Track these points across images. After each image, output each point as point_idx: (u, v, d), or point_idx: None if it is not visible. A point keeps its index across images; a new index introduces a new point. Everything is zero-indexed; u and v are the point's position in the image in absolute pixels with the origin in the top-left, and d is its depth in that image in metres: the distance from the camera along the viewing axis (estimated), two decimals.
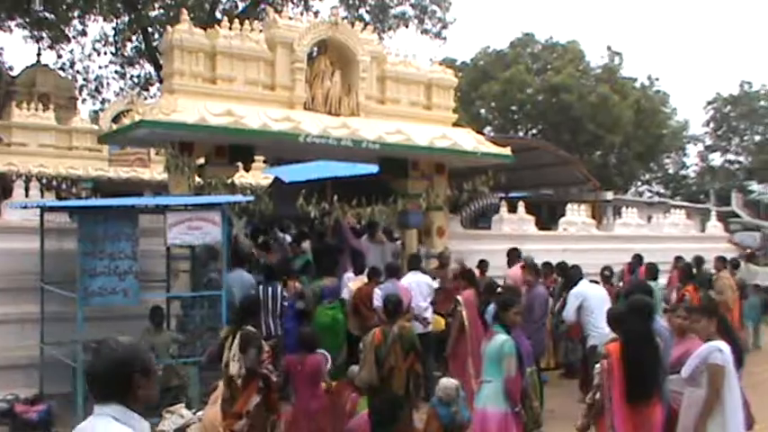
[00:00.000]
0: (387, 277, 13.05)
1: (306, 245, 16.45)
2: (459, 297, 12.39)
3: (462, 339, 11.99)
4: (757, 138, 70.57)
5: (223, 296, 11.77)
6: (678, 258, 17.81)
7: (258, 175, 23.73)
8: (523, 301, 11.79)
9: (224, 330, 9.39)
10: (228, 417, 8.73)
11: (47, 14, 31.78)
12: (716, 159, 73.85)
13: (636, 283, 12.66)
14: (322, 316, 13.13)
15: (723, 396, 7.31)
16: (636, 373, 7.47)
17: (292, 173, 24.16)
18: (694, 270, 16.38)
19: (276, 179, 19.86)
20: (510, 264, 15.11)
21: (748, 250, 26.16)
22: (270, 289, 12.78)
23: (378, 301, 12.86)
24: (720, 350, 7.32)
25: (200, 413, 10.99)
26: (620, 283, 15.82)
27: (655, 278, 14.44)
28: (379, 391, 8.98)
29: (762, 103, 70.37)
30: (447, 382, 9.52)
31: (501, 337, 8.13)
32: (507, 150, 16.63)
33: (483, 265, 15.22)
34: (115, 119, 21.26)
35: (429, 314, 13.29)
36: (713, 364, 7.28)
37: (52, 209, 12.72)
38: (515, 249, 15.41)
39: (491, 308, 10.95)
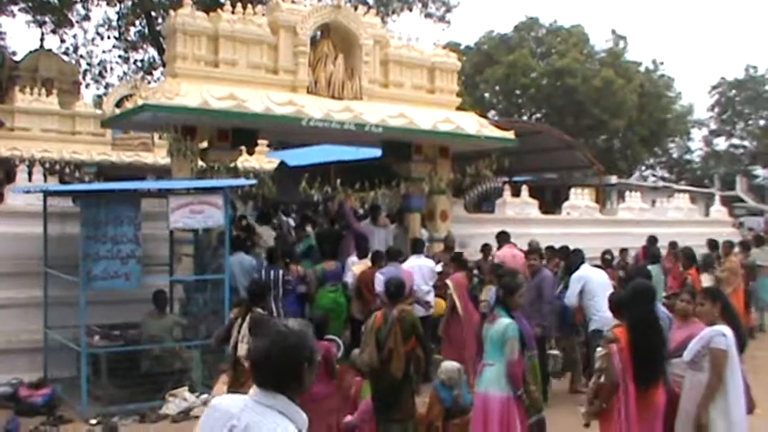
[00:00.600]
0: (388, 261, 13.05)
1: (309, 229, 16.48)
2: (448, 280, 12.40)
3: (455, 322, 12.01)
4: (762, 122, 70.57)
5: (226, 280, 11.78)
6: (672, 244, 17.78)
7: (261, 159, 23.70)
8: (532, 285, 11.84)
9: (234, 312, 9.39)
10: None
11: None
12: (720, 144, 73.94)
13: (635, 268, 12.66)
14: (324, 299, 13.17)
15: (725, 380, 7.33)
16: (643, 357, 7.47)
17: (295, 157, 24.16)
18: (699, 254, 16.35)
19: (282, 163, 19.88)
20: (499, 246, 15.16)
21: (753, 232, 26.18)
22: (272, 272, 12.82)
23: (379, 285, 12.88)
24: (724, 334, 7.33)
25: (203, 396, 11.04)
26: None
27: (656, 262, 14.42)
28: (380, 374, 8.98)
29: (767, 87, 70.20)
30: (449, 365, 9.53)
31: (504, 321, 8.12)
32: (511, 134, 16.59)
33: (486, 248, 15.23)
34: (118, 103, 21.23)
35: (431, 298, 13.32)
36: (716, 349, 7.29)
37: (55, 193, 12.72)
38: (504, 232, 15.40)
39: (493, 291, 11.00)
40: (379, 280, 12.76)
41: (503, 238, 15.28)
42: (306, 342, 3.59)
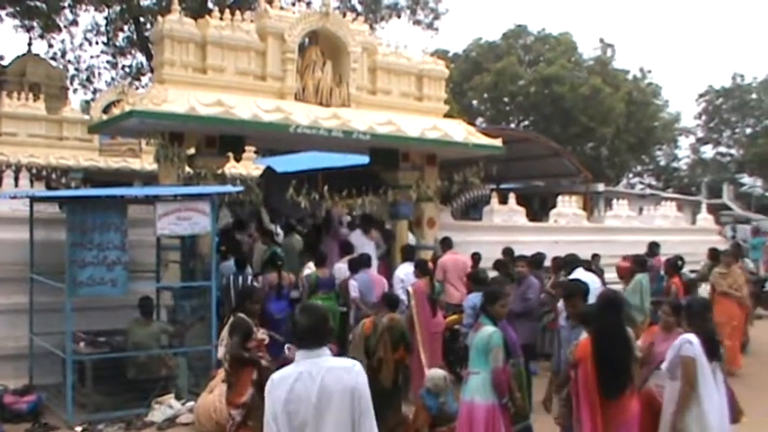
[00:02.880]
0: (359, 268, 13.16)
1: (287, 237, 16.43)
2: (408, 287, 12.38)
3: (412, 331, 11.91)
4: (749, 130, 70.87)
5: (213, 286, 11.76)
6: (653, 245, 17.68)
7: (249, 166, 23.68)
8: (518, 294, 11.83)
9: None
10: (227, 403, 8.76)
11: (38, 3, 31.70)
12: (707, 152, 74.26)
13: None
14: None
15: (697, 387, 7.51)
16: (608, 366, 7.51)
17: (283, 163, 24.15)
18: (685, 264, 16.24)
19: (268, 168, 19.84)
20: (443, 252, 15.31)
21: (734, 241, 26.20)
22: (240, 278, 12.92)
23: (354, 290, 12.95)
24: (690, 342, 7.55)
25: (189, 404, 11.01)
26: None
27: (643, 270, 14.42)
28: (369, 383, 8.96)
29: (753, 95, 70.58)
30: (435, 373, 9.53)
31: (489, 329, 8.13)
32: (498, 142, 16.61)
33: (476, 256, 15.23)
34: (106, 109, 21.16)
35: None
36: (685, 356, 7.52)
37: (41, 199, 12.71)
38: (447, 238, 15.48)
39: (472, 297, 11.06)
40: (353, 286, 12.87)
41: (446, 243, 15.39)
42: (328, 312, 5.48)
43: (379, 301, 10.61)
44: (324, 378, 4.83)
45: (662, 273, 15.25)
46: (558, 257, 14.20)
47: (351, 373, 4.96)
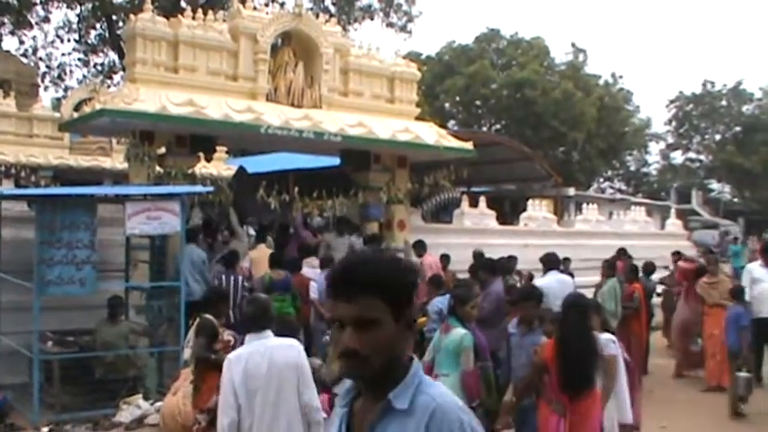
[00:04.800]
0: (322, 267, 13.18)
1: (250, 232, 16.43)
2: None
3: None
4: (718, 137, 71.45)
5: (182, 288, 11.73)
6: (621, 251, 17.76)
7: (220, 166, 23.60)
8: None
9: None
10: (193, 406, 8.71)
11: (9, 0, 31.44)
12: (677, 157, 74.87)
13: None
14: None
15: (616, 381, 8.09)
16: (569, 367, 7.60)
17: (254, 164, 24.07)
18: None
19: (240, 168, 19.78)
20: (420, 254, 15.42)
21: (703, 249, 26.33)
22: (232, 278, 12.85)
23: (314, 292, 12.93)
24: (613, 341, 8.13)
25: (157, 404, 10.95)
26: None
27: (614, 275, 14.48)
28: None
29: (723, 102, 71.15)
30: None
31: (459, 331, 8.17)
32: (469, 145, 16.66)
33: (445, 259, 15.27)
34: (77, 107, 21.04)
35: None
36: (609, 355, 7.95)
37: (10, 197, 12.61)
38: (422, 241, 15.61)
39: (437, 302, 11.08)
40: (314, 287, 12.85)
41: (421, 246, 15.53)
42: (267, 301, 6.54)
43: None
44: (272, 354, 5.97)
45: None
46: (501, 261, 14.29)
47: (294, 349, 6.15)
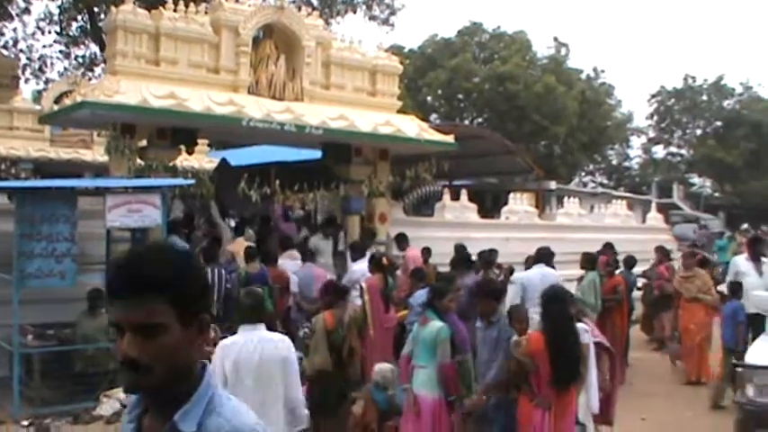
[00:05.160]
0: (305, 261, 13.16)
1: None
2: (362, 282, 12.37)
3: (365, 326, 11.90)
4: (699, 131, 71.81)
5: None
6: (608, 245, 17.84)
7: (201, 159, 23.53)
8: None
9: None
10: None
11: None
12: (659, 152, 75.05)
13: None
14: None
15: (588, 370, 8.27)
16: (562, 359, 7.68)
17: (236, 156, 24.01)
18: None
19: (223, 161, 19.73)
20: (402, 247, 15.57)
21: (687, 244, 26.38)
22: (216, 271, 12.84)
23: (294, 285, 12.93)
24: (587, 330, 8.37)
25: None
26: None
27: (593, 268, 14.53)
28: (331, 377, 8.99)
29: (704, 97, 71.44)
30: (383, 366, 9.58)
31: (437, 324, 8.23)
32: (451, 138, 16.68)
33: (426, 252, 15.29)
34: (58, 99, 20.94)
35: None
36: (585, 344, 8.15)
37: None
38: (404, 234, 15.67)
39: (420, 294, 11.10)
40: (294, 281, 12.83)
41: (404, 239, 15.60)
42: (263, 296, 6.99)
43: (325, 292, 10.45)
44: (263, 347, 6.32)
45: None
46: (482, 255, 14.35)
47: (284, 344, 6.51)
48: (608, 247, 17.07)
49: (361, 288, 12.18)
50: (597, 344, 9.18)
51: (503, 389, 8.26)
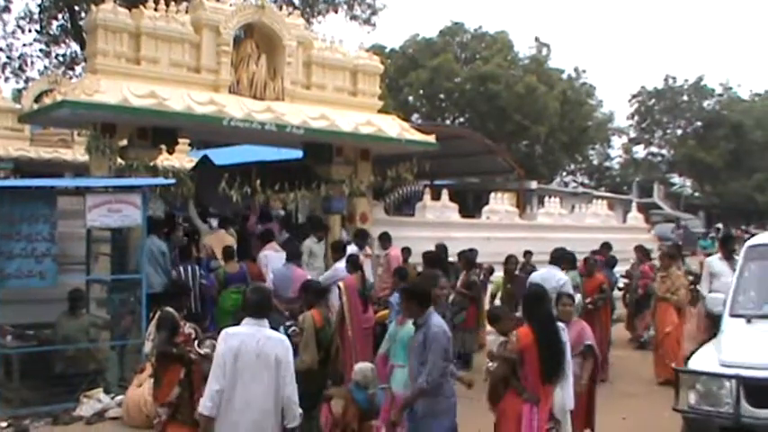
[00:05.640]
0: (288, 261, 13.16)
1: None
2: (340, 283, 12.34)
3: (343, 324, 11.91)
4: (679, 131, 72.14)
5: (143, 280, 11.69)
6: (605, 245, 17.94)
7: (182, 158, 23.46)
8: None
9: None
10: (153, 399, 8.68)
11: None
12: (639, 152, 75.34)
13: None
14: (227, 301, 13.11)
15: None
16: (549, 354, 7.80)
17: (217, 156, 23.96)
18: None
19: (205, 158, 19.67)
20: (386, 246, 15.57)
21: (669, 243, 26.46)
22: (189, 268, 12.85)
23: (269, 284, 12.91)
24: (563, 329, 8.20)
25: (118, 398, 10.92)
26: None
27: (573, 267, 14.58)
28: (317, 375, 9.00)
29: (685, 97, 71.77)
30: (363, 366, 9.58)
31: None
32: (432, 138, 16.71)
33: (406, 252, 15.30)
34: (38, 98, 20.84)
35: None
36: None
37: None
38: (387, 233, 15.69)
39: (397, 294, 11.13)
40: (269, 279, 12.82)
41: (387, 238, 15.61)
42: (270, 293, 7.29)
43: (305, 291, 10.42)
44: (264, 345, 6.51)
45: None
46: (465, 254, 14.31)
47: (283, 344, 6.67)
48: (605, 246, 17.19)
49: (339, 288, 12.17)
50: (589, 346, 9.26)
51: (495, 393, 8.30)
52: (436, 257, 13.51)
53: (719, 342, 8.95)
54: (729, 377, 8.00)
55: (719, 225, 44.16)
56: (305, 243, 15.06)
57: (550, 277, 12.39)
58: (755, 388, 7.90)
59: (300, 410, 6.71)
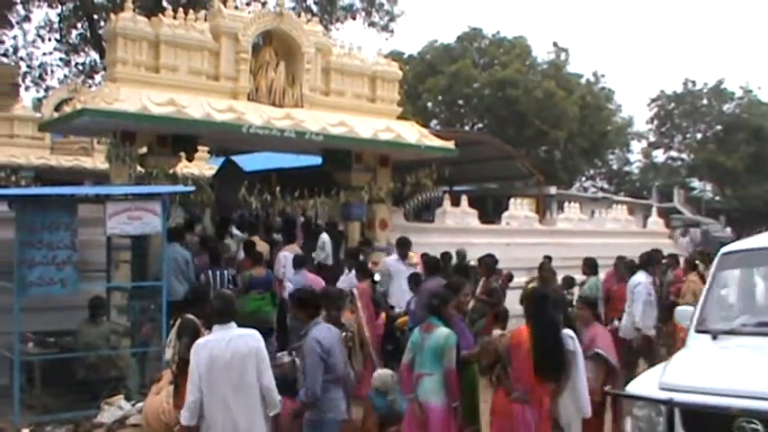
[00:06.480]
0: (296, 269, 13.16)
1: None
2: (353, 289, 12.30)
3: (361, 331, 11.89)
4: (699, 135, 71.69)
5: (164, 288, 11.70)
6: (620, 258, 17.79)
7: (201, 166, 23.55)
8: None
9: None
10: (174, 405, 8.68)
11: None
12: (659, 156, 74.99)
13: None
14: (250, 303, 13.09)
15: (573, 377, 8.15)
16: (543, 352, 7.88)
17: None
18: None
19: (229, 160, 19.69)
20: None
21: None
22: (218, 273, 12.86)
23: (287, 286, 12.92)
24: (572, 337, 8.21)
25: (139, 405, 10.91)
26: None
27: (595, 273, 14.53)
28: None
29: (704, 101, 71.38)
30: (383, 372, 9.58)
31: (443, 330, 8.25)
32: (451, 144, 16.69)
33: (425, 258, 15.26)
34: (58, 107, 20.96)
35: None
36: (567, 351, 8.12)
37: None
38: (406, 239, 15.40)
39: (415, 298, 11.15)
40: (288, 287, 12.83)
41: (406, 244, 15.32)
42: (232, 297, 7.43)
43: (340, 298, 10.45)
44: (235, 342, 6.79)
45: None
46: (486, 260, 14.17)
47: (254, 339, 6.92)
48: (656, 252, 16.59)
49: (352, 294, 12.15)
50: (597, 354, 9.20)
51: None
52: (436, 263, 13.36)
53: (670, 361, 7.75)
54: (663, 402, 6.73)
55: (728, 228, 43.85)
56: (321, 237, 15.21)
57: (629, 283, 12.94)
58: (692, 414, 6.62)
59: (279, 397, 7.03)
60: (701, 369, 7.18)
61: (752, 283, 8.95)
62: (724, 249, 8.84)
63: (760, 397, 6.26)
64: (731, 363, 7.28)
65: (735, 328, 7.91)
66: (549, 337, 7.90)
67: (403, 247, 14.61)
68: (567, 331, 8.24)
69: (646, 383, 7.24)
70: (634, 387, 7.30)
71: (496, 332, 8.88)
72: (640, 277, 13.16)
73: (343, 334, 9.26)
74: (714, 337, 7.72)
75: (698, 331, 7.99)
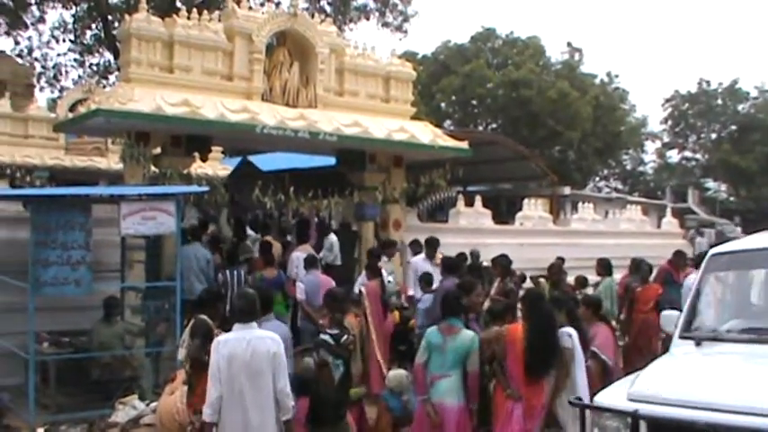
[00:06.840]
0: (307, 269, 13.16)
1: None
2: (362, 288, 12.32)
3: (367, 329, 11.88)
4: (714, 135, 71.55)
5: (178, 287, 11.71)
6: (634, 260, 17.69)
7: (215, 166, 23.58)
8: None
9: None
10: (187, 405, 8.68)
11: (4, 0, 31.39)
12: (673, 156, 74.96)
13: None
14: None
15: (572, 374, 8.25)
16: (536, 348, 8.05)
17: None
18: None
19: (246, 160, 19.70)
20: (417, 252, 15.38)
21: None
22: (235, 272, 12.89)
23: (301, 293, 12.91)
24: (570, 335, 8.37)
25: (153, 404, 10.92)
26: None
27: (609, 273, 14.49)
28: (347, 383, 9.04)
29: (719, 101, 71.21)
30: (397, 373, 9.59)
31: (468, 333, 8.45)
32: (465, 144, 16.66)
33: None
34: (72, 107, 21.03)
35: None
36: (563, 348, 8.30)
37: (5, 198, 12.59)
38: (417, 240, 15.59)
39: (425, 298, 11.18)
40: (300, 288, 12.85)
41: (418, 244, 15.45)
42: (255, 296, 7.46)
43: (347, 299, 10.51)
44: (255, 344, 6.98)
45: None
46: (500, 261, 13.99)
47: (273, 341, 7.10)
48: (678, 255, 16.18)
49: (361, 293, 12.14)
50: (592, 352, 9.24)
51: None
52: (455, 264, 13.36)
53: (645, 369, 7.27)
54: (628, 414, 6.38)
55: (738, 229, 43.58)
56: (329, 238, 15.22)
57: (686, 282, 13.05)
58: (658, 427, 6.29)
59: (293, 402, 7.22)
60: (673, 379, 6.84)
61: (741, 286, 8.43)
62: (713, 250, 8.47)
63: (728, 410, 5.93)
64: (708, 372, 6.94)
65: (720, 334, 7.51)
66: (541, 338, 8.03)
67: (431, 246, 14.82)
68: (567, 329, 8.37)
69: (616, 393, 6.91)
70: (603, 397, 6.97)
71: (495, 328, 8.91)
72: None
73: (344, 337, 9.29)
74: (698, 344, 7.39)
75: (682, 337, 7.64)
